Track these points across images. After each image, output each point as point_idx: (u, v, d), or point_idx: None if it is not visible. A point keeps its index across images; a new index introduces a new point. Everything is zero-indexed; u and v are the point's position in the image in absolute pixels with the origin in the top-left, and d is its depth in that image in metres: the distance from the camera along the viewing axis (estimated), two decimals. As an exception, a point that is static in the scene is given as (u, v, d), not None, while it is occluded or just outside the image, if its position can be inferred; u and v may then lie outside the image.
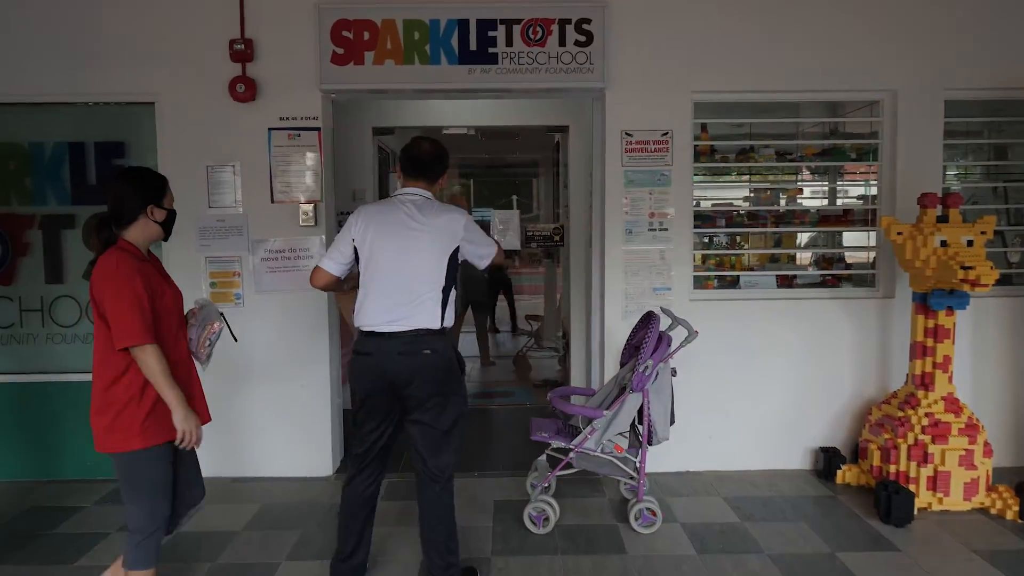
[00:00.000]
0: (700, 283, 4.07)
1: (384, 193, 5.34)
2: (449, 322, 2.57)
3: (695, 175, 4.07)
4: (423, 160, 2.63)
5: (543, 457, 3.46)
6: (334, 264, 2.63)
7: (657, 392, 3.23)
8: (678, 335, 3.26)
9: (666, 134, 3.87)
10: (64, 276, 3.95)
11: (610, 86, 3.83)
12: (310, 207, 3.84)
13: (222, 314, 2.46)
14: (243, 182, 3.85)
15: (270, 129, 3.84)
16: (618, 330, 3.88)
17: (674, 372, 3.35)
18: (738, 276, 4.16)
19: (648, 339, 3.15)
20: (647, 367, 3.13)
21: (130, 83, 3.81)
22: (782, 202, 4.46)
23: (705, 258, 4.28)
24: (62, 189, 3.92)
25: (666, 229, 3.91)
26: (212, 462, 3.38)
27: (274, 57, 3.81)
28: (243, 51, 3.75)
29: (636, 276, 3.92)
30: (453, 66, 3.75)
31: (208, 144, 3.84)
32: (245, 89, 3.77)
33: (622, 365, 3.41)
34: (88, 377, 2.27)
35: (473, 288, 6.25)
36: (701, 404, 3.92)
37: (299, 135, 3.86)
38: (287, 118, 3.85)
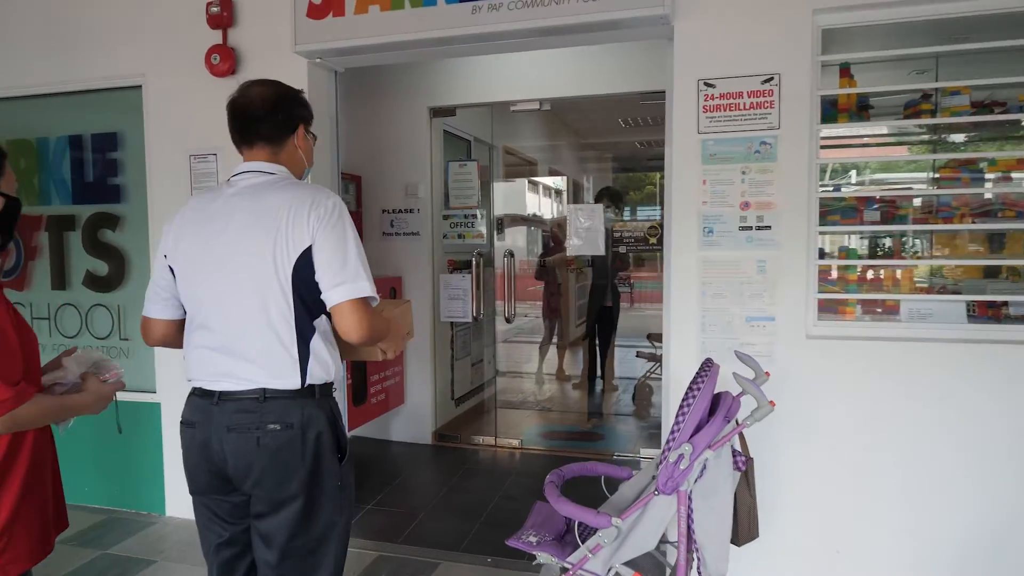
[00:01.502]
0: (830, 310, 2.64)
1: (445, 190, 4.48)
2: (322, 376, 1.62)
3: (825, 145, 2.65)
4: (254, 112, 1.65)
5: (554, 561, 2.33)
6: (157, 303, 1.71)
7: (706, 495, 1.96)
8: (748, 403, 1.96)
9: (770, 80, 2.52)
10: (67, 282, 3.62)
11: (679, 13, 2.58)
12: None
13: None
14: (224, 174, 3.21)
15: (253, 108, 3.15)
16: (688, 379, 2.60)
17: (742, 462, 2.04)
18: (899, 300, 2.64)
19: (691, 406, 1.91)
20: (682, 455, 1.88)
21: (116, 66, 3.35)
22: (987, 184, 2.80)
23: (825, 272, 2.80)
24: (64, 187, 3.59)
25: (768, 227, 2.55)
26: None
27: (254, 19, 3.11)
28: (220, 14, 3.10)
29: (719, 297, 2.61)
30: (451, 5, 2.74)
31: (191, 130, 3.25)
32: (220, 60, 3.11)
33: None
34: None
35: (599, 292, 5.16)
36: (823, 494, 2.51)
37: (283, 113, 3.12)
38: (271, 93, 3.13)
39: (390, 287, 4.28)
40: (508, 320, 4.36)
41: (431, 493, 3.63)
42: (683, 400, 2.00)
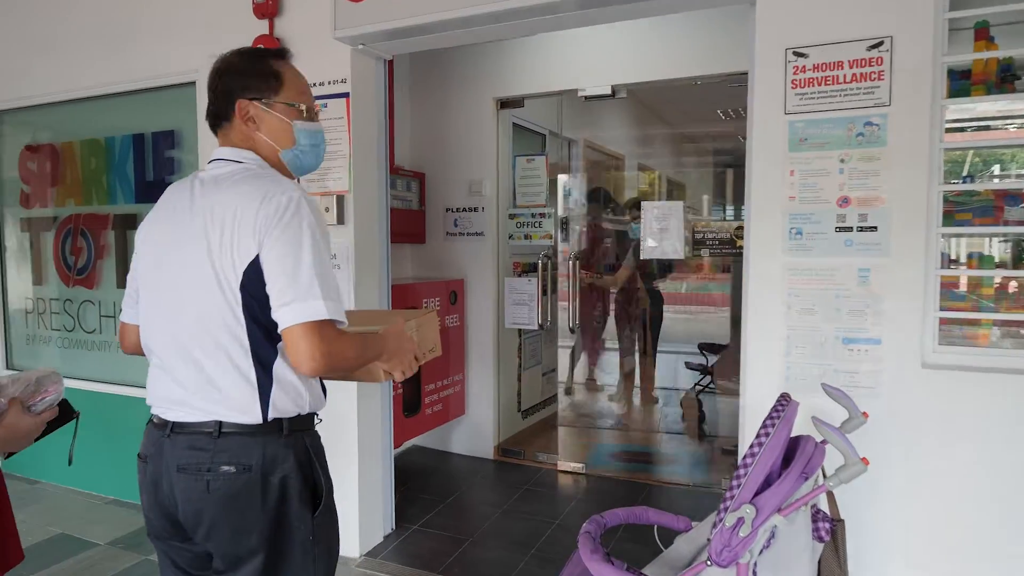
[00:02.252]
0: (955, 332, 2.10)
1: (512, 188, 4.18)
2: (291, 409, 1.35)
3: (951, 127, 2.12)
4: (209, 89, 1.43)
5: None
6: (130, 307, 1.51)
7: (776, 568, 1.54)
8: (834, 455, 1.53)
9: (879, 45, 2.03)
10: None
11: (762, -31, 2.14)
12: (331, 200, 2.88)
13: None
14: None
15: (297, 101, 2.99)
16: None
17: (826, 529, 1.60)
18: (1052, 321, 2.06)
19: (756, 456, 1.51)
20: (742, 519, 1.47)
21: (171, 62, 3.29)
22: None
23: (950, 284, 2.24)
24: (128, 185, 3.61)
25: (873, 228, 2.06)
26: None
27: (300, 6, 2.94)
28: (265, 3, 2.95)
29: (809, 313, 2.14)
30: (497, -25, 2.43)
31: (239, 125, 3.14)
32: (265, 51, 2.97)
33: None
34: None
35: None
36: (940, 568, 1.99)
37: (326, 106, 2.94)
38: (316, 84, 2.96)
39: (451, 290, 4.03)
40: (572, 331, 3.97)
41: (483, 516, 3.34)
42: (750, 447, 1.59)
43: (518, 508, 3.43)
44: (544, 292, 4.05)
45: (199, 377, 1.32)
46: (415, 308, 3.74)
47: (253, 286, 1.27)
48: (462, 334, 4.16)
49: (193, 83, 3.27)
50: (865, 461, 1.41)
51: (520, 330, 4.32)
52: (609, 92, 3.77)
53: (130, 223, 3.58)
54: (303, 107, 1.42)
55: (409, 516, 3.32)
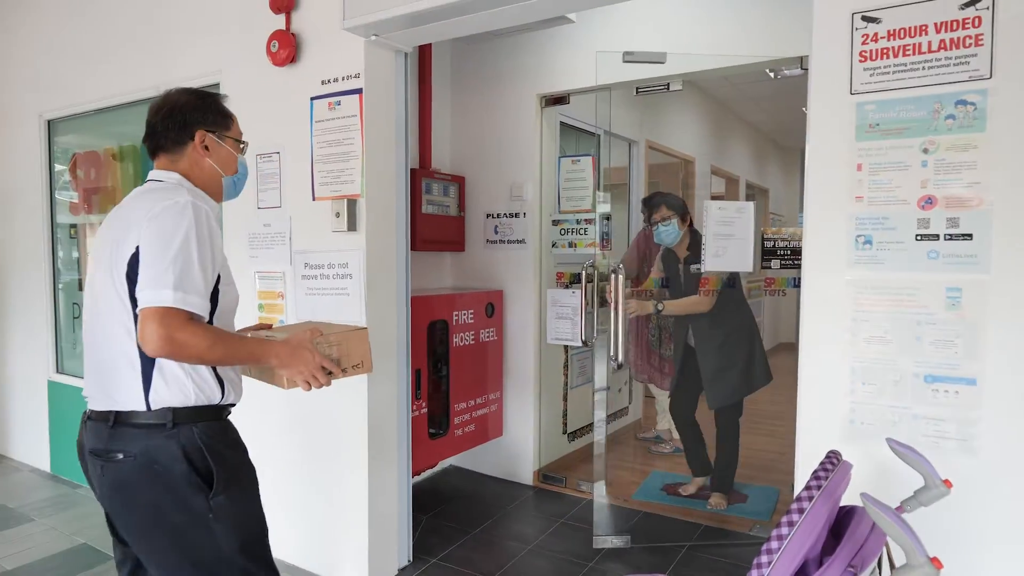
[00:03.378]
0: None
1: (555, 192, 3.85)
2: (176, 399, 1.46)
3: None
4: (150, 123, 1.62)
5: None
6: None
7: None
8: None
9: (975, 2, 1.59)
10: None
11: (822, -83, 1.74)
12: (342, 205, 2.66)
13: None
14: (287, 173, 2.90)
15: (312, 99, 2.81)
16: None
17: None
18: None
19: (790, 535, 1.14)
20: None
21: (197, 64, 3.20)
22: None
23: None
24: (160, 192, 3.55)
25: (967, 236, 1.61)
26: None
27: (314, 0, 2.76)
28: (280, -3, 2.79)
29: (880, 342, 1.71)
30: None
31: (256, 126, 2.98)
32: (279, 47, 2.80)
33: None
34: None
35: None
36: None
37: (339, 103, 2.73)
38: (329, 80, 2.76)
39: (487, 302, 3.75)
40: (618, 365, 3.07)
41: (510, 552, 3.03)
42: (787, 513, 1.21)
43: (550, 545, 3.09)
44: (590, 305, 3.69)
45: (100, 367, 1.50)
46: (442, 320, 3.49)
47: (135, 276, 1.39)
48: (500, 349, 3.87)
49: (217, 85, 3.16)
50: (937, 564, 1.01)
51: (567, 346, 3.98)
52: (666, 86, 3.37)
53: (161, 229, 3.52)
54: (242, 144, 1.72)
55: (430, 547, 3.05)
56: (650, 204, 3.43)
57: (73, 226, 3.99)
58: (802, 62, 2.87)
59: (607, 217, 3.73)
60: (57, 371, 4.14)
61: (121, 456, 1.43)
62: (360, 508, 2.71)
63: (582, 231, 3.68)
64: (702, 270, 3.26)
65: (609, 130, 3.92)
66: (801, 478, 1.80)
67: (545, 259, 3.86)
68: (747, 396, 3.47)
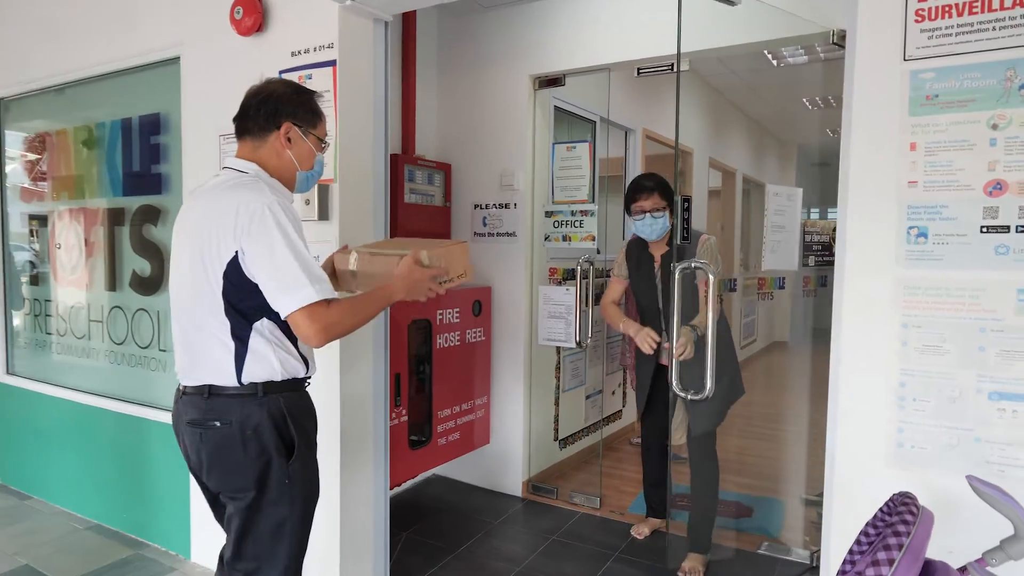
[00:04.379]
0: None
1: (548, 181, 3.58)
2: (264, 375, 1.60)
3: None
4: (245, 105, 1.72)
5: None
6: None
7: None
8: None
9: (1059, -50, 1.33)
10: (118, 283, 3.26)
11: None
12: (313, 191, 2.37)
13: None
14: (254, 156, 2.61)
15: (281, 72, 2.51)
16: (869, 502, 1.49)
17: None
18: None
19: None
20: None
21: (156, 37, 2.90)
22: None
23: None
24: (116, 176, 3.24)
25: (1045, 227, 1.36)
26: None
27: (282, -42, 2.47)
28: (245, -42, 2.49)
29: (936, 352, 1.46)
30: None
31: (221, 105, 2.69)
32: (244, 14, 2.52)
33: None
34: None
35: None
36: None
37: (310, 77, 2.44)
38: (300, 52, 2.47)
39: (474, 300, 3.48)
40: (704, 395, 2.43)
41: (498, 574, 2.76)
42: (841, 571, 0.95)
43: (540, 567, 2.83)
44: (586, 304, 3.44)
45: (193, 348, 1.64)
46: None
47: (232, 278, 1.53)
48: (487, 350, 3.59)
49: (177, 59, 2.86)
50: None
51: (559, 347, 3.72)
52: (670, 67, 3.10)
53: (118, 218, 3.21)
54: (325, 144, 1.78)
55: (408, 568, 2.78)
56: (642, 188, 2.79)
57: (35, 217, 3.66)
58: (833, 35, 2.60)
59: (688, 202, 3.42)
60: (7, 372, 3.82)
61: (218, 423, 1.58)
62: (331, 525, 2.43)
63: (577, 223, 3.41)
64: (762, 267, 2.96)
65: (607, 116, 3.67)
66: (840, 513, 1.55)
67: (537, 253, 3.59)
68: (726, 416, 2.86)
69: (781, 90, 6.46)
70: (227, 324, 1.56)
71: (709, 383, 2.11)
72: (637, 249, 2.94)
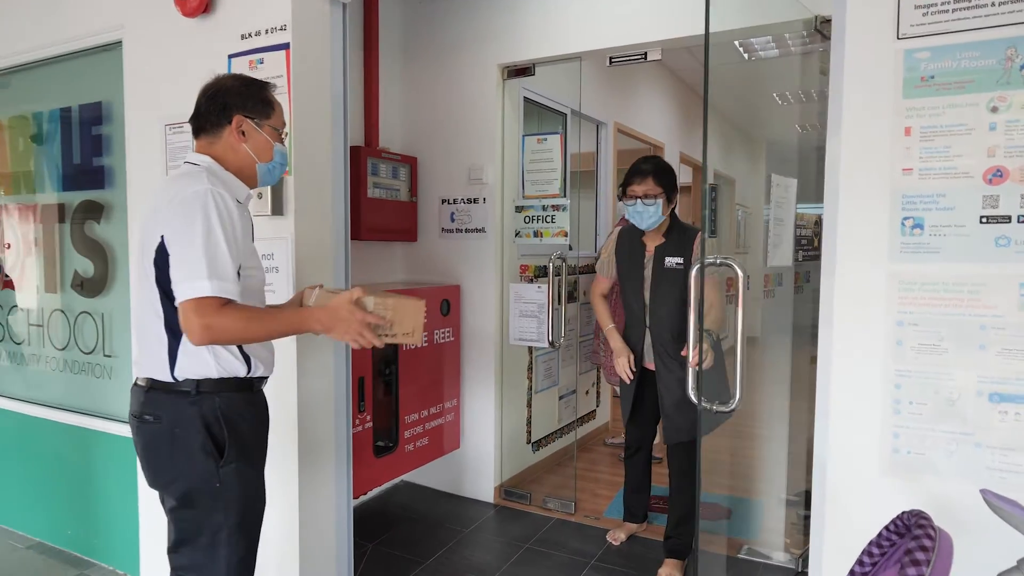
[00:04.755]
0: None
1: (519, 175, 3.46)
2: (199, 371, 1.56)
3: None
4: (197, 103, 1.68)
5: None
6: None
7: None
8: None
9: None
10: (58, 284, 3.04)
11: None
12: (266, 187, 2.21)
13: None
14: (202, 147, 2.43)
15: (230, 56, 2.34)
16: (863, 511, 1.39)
17: None
18: None
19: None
20: None
21: (96, 18, 2.69)
22: None
23: None
24: (55, 169, 3.02)
25: (1049, 217, 1.27)
26: None
27: (230, -67, 2.29)
28: (190, -67, 2.31)
29: (933, 351, 1.37)
30: None
31: (166, 92, 2.51)
32: (189, -7, 2.33)
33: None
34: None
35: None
36: None
37: (262, 61, 2.27)
38: (250, 34, 2.30)
39: (442, 299, 3.33)
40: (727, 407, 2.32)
41: (469, 587, 2.64)
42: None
43: (515, 577, 2.71)
44: (559, 302, 3.32)
45: (140, 340, 1.61)
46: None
47: (161, 264, 1.49)
48: (457, 351, 3.45)
49: (119, 43, 2.66)
50: None
51: (531, 346, 3.59)
52: (642, 56, 3.00)
53: (59, 215, 2.99)
54: (283, 133, 1.73)
55: (375, 585, 2.64)
56: (637, 171, 2.59)
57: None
58: (816, 22, 2.51)
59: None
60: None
61: (151, 419, 1.56)
62: (290, 537, 2.27)
63: (549, 219, 3.29)
64: (769, 265, 2.81)
65: (579, 108, 3.55)
66: (833, 523, 1.45)
67: (507, 250, 3.46)
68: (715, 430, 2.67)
69: (751, 85, 6.42)
70: (161, 315, 1.54)
71: (739, 393, 1.82)
72: (629, 238, 2.73)
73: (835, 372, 1.47)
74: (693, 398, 1.88)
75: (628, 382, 2.72)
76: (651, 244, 2.65)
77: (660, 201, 2.57)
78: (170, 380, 1.56)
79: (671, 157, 6.02)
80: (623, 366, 2.69)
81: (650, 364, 2.69)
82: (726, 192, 8.37)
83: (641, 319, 2.67)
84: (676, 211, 2.75)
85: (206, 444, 1.55)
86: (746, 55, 5.59)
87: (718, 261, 1.74)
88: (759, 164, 9.52)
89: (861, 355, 1.44)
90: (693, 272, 1.80)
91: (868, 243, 1.42)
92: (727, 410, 1.80)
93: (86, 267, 2.92)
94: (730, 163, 8.28)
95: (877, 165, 1.40)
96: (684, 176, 6.88)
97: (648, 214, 2.58)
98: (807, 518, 3.10)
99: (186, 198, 1.48)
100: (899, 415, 1.40)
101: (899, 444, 1.40)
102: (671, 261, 2.58)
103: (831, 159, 1.54)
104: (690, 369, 1.99)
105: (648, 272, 2.63)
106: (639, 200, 2.57)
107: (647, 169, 2.59)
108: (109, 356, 2.85)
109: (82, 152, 2.90)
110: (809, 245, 3.23)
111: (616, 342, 2.73)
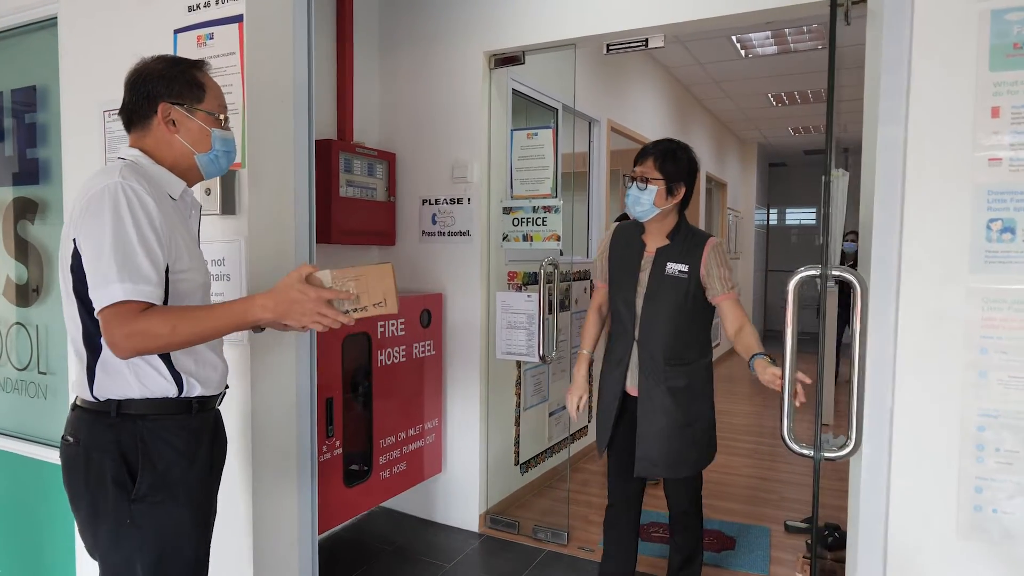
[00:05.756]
0: None
1: (506, 173, 3.18)
2: (119, 391, 1.38)
3: None
4: (129, 88, 1.47)
5: None
6: None
7: None
8: None
9: None
10: (-12, 291, 2.71)
11: None
12: (214, 181, 1.91)
13: None
14: (145, 136, 2.12)
15: (176, 31, 2.04)
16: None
17: None
18: None
19: None
20: None
21: (27, -11, 2.38)
22: None
23: None
24: (-17, 163, 2.69)
25: None
26: None
27: None
28: None
29: (1026, 387, 1.09)
30: None
31: (105, 74, 2.20)
32: (128, -42, 2.03)
33: None
34: None
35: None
36: None
37: (211, 36, 1.97)
38: (198, 6, 2.00)
39: (423, 309, 3.03)
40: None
41: (450, 634, 2.34)
42: None
43: (501, 623, 2.41)
44: (550, 312, 3.03)
45: (72, 353, 1.45)
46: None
47: (78, 272, 1.33)
48: (439, 367, 3.15)
49: (54, 19, 2.34)
50: None
51: (519, 360, 3.30)
52: (643, 43, 2.72)
53: (-12, 214, 2.66)
54: (221, 117, 1.52)
55: (345, 633, 2.33)
56: (643, 151, 2.20)
57: None
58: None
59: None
60: None
61: (71, 440, 1.42)
62: (243, 592, 1.97)
63: (540, 221, 3.01)
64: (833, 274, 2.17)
65: (573, 100, 3.27)
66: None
67: (494, 255, 3.17)
68: (704, 468, 2.25)
69: (745, 83, 6.21)
70: (80, 327, 1.38)
71: (854, 433, 1.35)
72: (627, 234, 2.29)
73: (899, 410, 1.19)
74: (791, 444, 1.48)
75: (575, 419, 2.40)
76: (652, 244, 2.21)
77: (656, 188, 2.11)
78: (91, 399, 1.40)
79: (665, 158, 5.78)
80: (572, 403, 2.29)
81: (633, 389, 2.22)
82: (717, 195, 8.16)
83: (629, 331, 2.20)
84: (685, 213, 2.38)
85: (119, 474, 1.37)
86: (743, 52, 5.37)
87: (832, 273, 1.36)
88: (751, 168, 9.34)
89: (932, 389, 1.17)
90: (792, 283, 1.38)
91: (941, 252, 1.15)
92: (843, 454, 1.34)
93: (19, 272, 2.59)
94: (723, 167, 8.07)
95: (954, 155, 1.13)
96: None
97: (639, 201, 2.14)
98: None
99: (93, 195, 1.31)
100: (982, 464, 1.13)
101: (982, 500, 1.13)
102: (673, 268, 2.16)
103: (886, 150, 1.27)
104: (786, 406, 1.47)
105: (645, 276, 2.19)
106: (634, 183, 2.15)
107: (651, 149, 2.17)
108: (44, 373, 2.52)
109: (16, 142, 2.57)
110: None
111: (579, 373, 2.29)
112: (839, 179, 2.10)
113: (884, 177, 1.29)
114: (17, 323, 2.60)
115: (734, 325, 2.10)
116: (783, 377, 1.46)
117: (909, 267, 1.18)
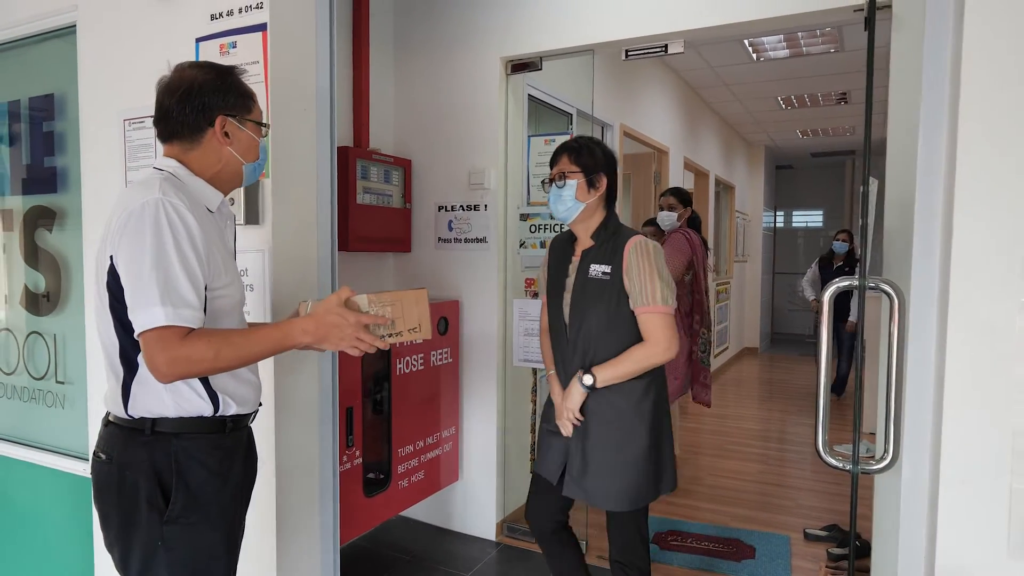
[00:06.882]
0: None
1: (524, 179, 3.16)
2: (156, 409, 1.35)
3: None
4: (165, 105, 1.39)
5: None
6: None
7: None
8: None
9: None
10: (8, 300, 2.69)
11: None
12: (238, 191, 1.89)
13: None
14: (166, 145, 2.11)
15: (198, 40, 2.03)
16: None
17: None
18: None
19: None
20: None
21: (47, 0, 2.37)
22: None
23: None
24: (3, 172, 2.68)
25: None
26: None
27: None
28: None
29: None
30: None
31: (125, 82, 2.19)
32: (149, -33, 2.02)
33: None
34: None
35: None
36: None
37: (235, 45, 1.96)
38: (220, 15, 1.99)
39: (440, 316, 3.02)
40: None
41: (472, 646, 2.31)
42: None
43: (523, 634, 2.39)
44: (566, 319, 3.01)
45: (104, 369, 1.42)
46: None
47: (114, 288, 1.31)
48: (455, 374, 3.14)
49: (73, 27, 2.34)
50: None
51: (536, 368, 3.28)
52: (662, 49, 2.71)
53: (6, 223, 2.65)
54: (265, 128, 1.51)
55: (365, 645, 2.31)
56: (555, 152, 2.00)
57: None
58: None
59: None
60: None
61: (103, 457, 1.40)
62: (266, 606, 1.95)
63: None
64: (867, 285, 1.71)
65: (591, 105, 3.26)
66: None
67: (511, 262, 3.15)
68: (652, 501, 1.97)
69: (755, 86, 6.19)
70: (116, 344, 1.35)
71: (891, 446, 1.33)
72: (563, 241, 2.09)
73: (950, 423, 1.17)
74: (825, 456, 1.42)
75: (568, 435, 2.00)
76: (579, 248, 2.01)
77: (576, 183, 1.92)
78: (125, 416, 1.37)
79: (675, 162, 5.76)
80: (564, 421, 1.97)
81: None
82: (725, 198, 8.14)
83: (563, 340, 2.00)
84: (618, 208, 2.11)
85: (152, 494, 1.34)
86: (754, 55, 5.35)
87: (869, 284, 1.30)
88: (758, 171, 9.31)
89: (985, 403, 1.15)
90: (828, 293, 1.30)
91: (993, 262, 1.13)
92: (879, 467, 1.29)
93: (36, 281, 2.58)
94: (731, 170, 8.05)
95: (1016, 155, 1.11)
96: (687, 182, 6.62)
97: (560, 199, 1.95)
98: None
99: (132, 212, 1.27)
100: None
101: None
102: (597, 270, 1.92)
103: (928, 152, 1.26)
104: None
105: (571, 281, 1.99)
106: (552, 183, 1.98)
107: (563, 147, 1.99)
108: (62, 383, 2.51)
109: (32, 151, 2.57)
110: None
111: (555, 396, 2.04)
112: (873, 186, 2.07)
113: (925, 187, 1.27)
114: (34, 332, 2.59)
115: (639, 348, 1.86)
116: (817, 386, 1.45)
117: (959, 278, 1.16)
